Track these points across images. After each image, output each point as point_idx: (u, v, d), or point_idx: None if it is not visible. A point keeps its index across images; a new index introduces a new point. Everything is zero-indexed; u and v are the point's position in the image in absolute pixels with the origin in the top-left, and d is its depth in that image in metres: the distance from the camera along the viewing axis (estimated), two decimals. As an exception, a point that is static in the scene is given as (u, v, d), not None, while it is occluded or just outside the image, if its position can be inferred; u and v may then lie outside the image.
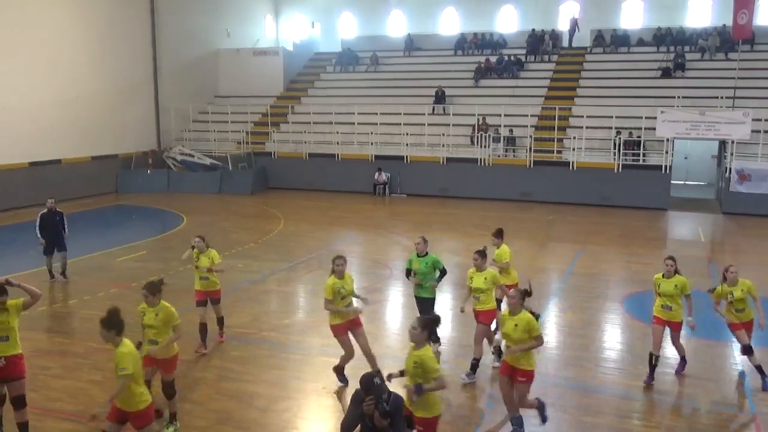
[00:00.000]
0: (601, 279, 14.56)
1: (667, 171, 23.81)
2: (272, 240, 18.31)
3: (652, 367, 8.73)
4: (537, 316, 7.16)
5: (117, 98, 27.05)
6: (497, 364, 8.97)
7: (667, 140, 23.85)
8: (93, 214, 22.32)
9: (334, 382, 8.70)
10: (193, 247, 9.90)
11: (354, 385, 6.12)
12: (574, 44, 31.88)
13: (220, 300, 10.07)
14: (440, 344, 9.90)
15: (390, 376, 6.16)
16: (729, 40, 27.94)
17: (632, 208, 23.23)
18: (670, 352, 9.98)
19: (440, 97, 29.03)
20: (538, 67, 31.07)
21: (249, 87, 32.98)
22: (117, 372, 5.91)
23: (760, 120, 23.01)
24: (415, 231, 18.74)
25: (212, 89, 33.78)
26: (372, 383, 5.02)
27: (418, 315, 9.36)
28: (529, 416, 7.95)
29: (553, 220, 21.76)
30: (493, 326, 8.98)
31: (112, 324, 5.97)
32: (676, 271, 8.72)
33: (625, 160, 24.28)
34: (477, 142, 26.02)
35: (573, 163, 24.68)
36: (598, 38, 31.29)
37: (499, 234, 10.25)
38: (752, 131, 22.82)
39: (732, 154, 23.13)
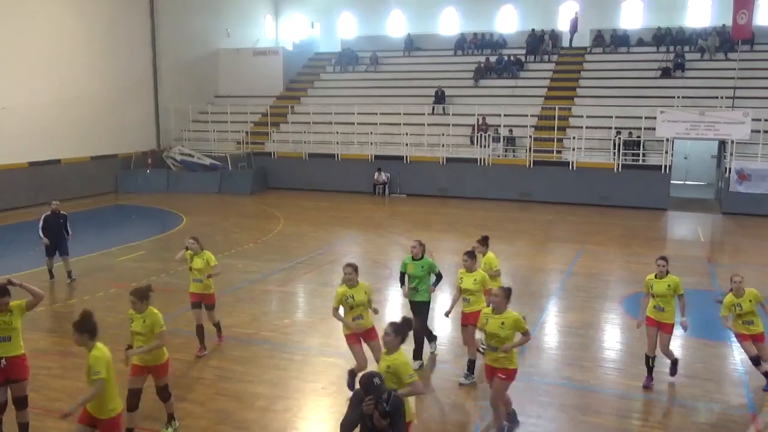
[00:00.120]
0: (601, 279, 14.56)
1: (667, 171, 23.82)
2: (272, 240, 18.31)
3: (650, 368, 8.71)
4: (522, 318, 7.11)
5: (117, 98, 27.03)
6: (470, 380, 8.80)
7: (667, 140, 23.85)
8: (92, 213, 22.31)
9: (334, 383, 8.69)
10: (186, 248, 9.70)
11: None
12: (573, 44, 31.87)
13: (214, 306, 9.82)
14: (436, 347, 9.81)
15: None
16: (729, 40, 27.94)
17: (632, 208, 23.23)
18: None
19: (440, 97, 29.03)
20: (538, 67, 31.07)
21: (249, 87, 32.98)
22: (90, 376, 5.79)
23: (760, 120, 23.01)
24: (414, 231, 18.77)
25: (212, 89, 33.78)
26: (372, 383, 5.01)
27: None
28: (530, 416, 7.95)
29: (553, 220, 21.76)
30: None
31: (85, 327, 5.87)
32: (668, 272, 8.63)
33: (625, 160, 24.29)
34: (477, 142, 26.02)
35: (573, 163, 24.68)
36: (598, 38, 31.29)
37: (483, 241, 9.94)
38: (752, 131, 22.82)
39: (732, 154, 23.13)
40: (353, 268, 8.07)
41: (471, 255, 8.87)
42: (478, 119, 26.59)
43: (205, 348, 9.78)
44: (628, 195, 23.73)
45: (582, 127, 25.11)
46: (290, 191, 27.55)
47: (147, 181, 27.49)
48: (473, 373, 8.82)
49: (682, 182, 29.41)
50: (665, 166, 23.80)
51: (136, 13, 28.29)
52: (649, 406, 8.26)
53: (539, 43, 31.61)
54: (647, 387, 8.63)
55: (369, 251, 17.57)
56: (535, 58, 31.53)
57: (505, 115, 26.40)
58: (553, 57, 31.32)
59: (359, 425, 5.09)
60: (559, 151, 25.29)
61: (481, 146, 25.80)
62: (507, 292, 7.12)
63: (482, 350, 8.92)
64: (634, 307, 12.21)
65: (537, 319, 11.59)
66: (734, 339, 9.12)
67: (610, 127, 25.01)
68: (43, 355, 9.53)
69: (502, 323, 6.92)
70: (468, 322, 8.78)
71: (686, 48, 29.54)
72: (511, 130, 26.25)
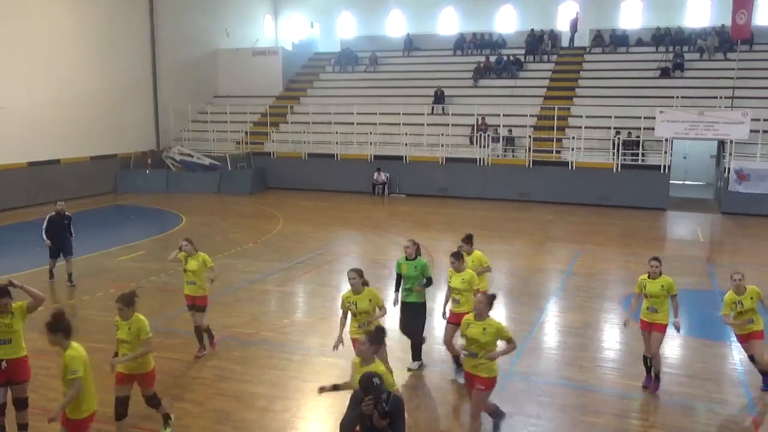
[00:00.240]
0: (600, 279, 14.57)
1: (666, 171, 23.83)
2: (271, 240, 18.30)
3: (648, 368, 8.69)
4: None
5: (116, 98, 27.02)
6: (457, 377, 8.76)
7: (666, 140, 23.85)
8: (92, 214, 22.29)
9: (333, 382, 8.68)
10: (180, 248, 9.53)
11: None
12: (573, 44, 31.85)
13: (204, 308, 9.59)
14: (418, 367, 9.40)
15: (321, 389, 6.01)
16: (728, 40, 27.95)
17: (631, 208, 23.23)
18: (669, 351, 9.99)
19: (439, 97, 29.02)
20: (537, 67, 31.07)
21: (248, 87, 32.96)
22: (67, 376, 5.72)
23: (759, 120, 23.02)
24: (414, 231, 18.77)
25: (211, 89, 33.77)
26: (371, 383, 5.02)
27: (402, 321, 9.21)
28: (529, 416, 7.96)
29: (552, 220, 21.77)
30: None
31: (59, 327, 5.81)
32: (661, 272, 8.52)
33: (624, 160, 24.29)
34: (476, 142, 26.02)
35: (572, 163, 24.68)
36: (597, 38, 31.29)
37: (468, 240, 9.74)
38: (751, 131, 22.83)
39: (731, 154, 23.14)
40: (357, 273, 7.86)
41: (458, 256, 8.76)
42: (477, 119, 26.59)
43: (204, 348, 9.77)
44: (628, 195, 23.74)
45: (581, 127, 25.12)
46: (289, 191, 27.54)
47: (146, 181, 27.47)
48: (461, 367, 8.76)
49: (682, 182, 29.41)
50: (664, 166, 23.80)
51: (136, 13, 28.28)
52: (648, 406, 8.26)
53: (538, 43, 31.61)
54: (646, 387, 8.63)
55: (368, 251, 17.58)
56: (534, 58, 31.53)
57: (504, 115, 26.40)
58: (553, 57, 31.32)
59: (359, 425, 5.09)
60: (558, 151, 25.29)
61: (480, 146, 25.80)
62: (490, 299, 6.96)
63: (464, 353, 8.64)
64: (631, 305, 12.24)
65: (536, 319, 11.61)
66: (734, 339, 9.12)
67: (610, 127, 25.01)
68: (42, 355, 9.49)
69: (484, 329, 6.73)
70: (452, 321, 8.67)
71: (685, 48, 29.54)
72: (510, 130, 26.25)
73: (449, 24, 35.73)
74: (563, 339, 10.80)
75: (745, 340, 8.51)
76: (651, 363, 8.67)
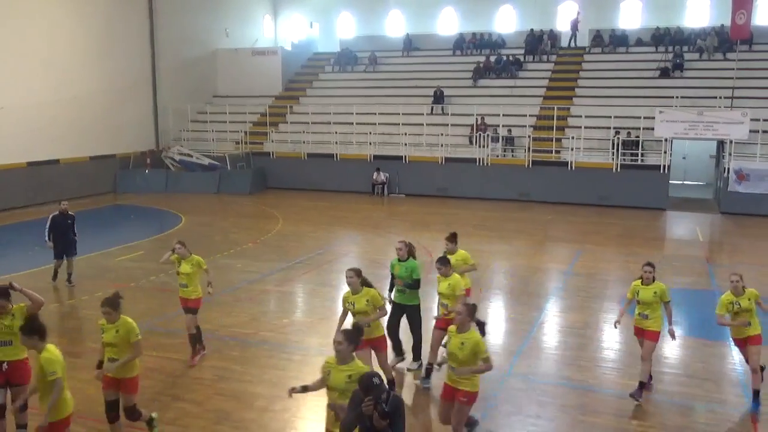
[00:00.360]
0: (600, 279, 14.56)
1: (666, 171, 23.83)
2: (270, 240, 18.30)
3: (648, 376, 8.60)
4: (483, 325, 6.66)
5: (115, 98, 27.01)
6: (426, 384, 8.66)
7: (666, 140, 23.87)
8: (91, 214, 22.26)
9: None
10: (173, 251, 9.45)
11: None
12: (570, 44, 31.87)
13: (196, 311, 9.41)
14: (398, 362, 9.34)
15: (292, 390, 5.83)
16: (727, 40, 27.96)
17: (631, 208, 23.24)
18: (668, 351, 10.00)
19: (439, 97, 29.02)
20: (537, 67, 31.07)
21: (247, 87, 32.95)
22: (46, 378, 5.61)
23: (758, 120, 23.03)
24: (413, 231, 18.78)
25: (211, 89, 33.76)
26: (371, 383, 5.00)
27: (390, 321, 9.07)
28: (528, 416, 7.95)
29: (552, 220, 21.77)
30: (445, 339, 8.27)
31: (33, 330, 5.74)
32: (654, 278, 8.35)
33: (624, 160, 24.31)
34: (475, 142, 26.02)
35: (571, 163, 24.69)
36: (597, 38, 31.30)
37: (452, 238, 9.52)
38: (750, 131, 22.84)
39: (730, 154, 23.15)
40: (354, 272, 7.73)
41: (443, 261, 8.57)
42: (476, 119, 26.59)
43: (204, 348, 9.76)
44: (627, 195, 23.74)
45: (581, 127, 25.13)
46: (289, 191, 27.54)
47: (146, 181, 27.46)
48: (429, 377, 8.70)
49: (681, 182, 29.43)
50: (664, 166, 23.81)
51: (135, 13, 28.27)
52: (647, 406, 8.25)
53: (538, 43, 31.62)
54: (647, 390, 8.56)
55: (367, 251, 17.58)
56: (533, 58, 31.54)
57: (503, 115, 26.41)
58: (552, 57, 31.33)
59: (358, 425, 5.08)
60: (557, 151, 25.30)
61: (479, 146, 25.80)
62: (471, 310, 6.61)
63: (437, 367, 8.46)
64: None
65: (536, 319, 11.61)
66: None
67: (609, 127, 25.02)
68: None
69: (462, 343, 6.42)
70: (439, 327, 8.52)
71: (685, 48, 29.56)
72: (509, 130, 26.25)
73: (449, 24, 35.74)
74: (563, 339, 10.80)
75: (742, 345, 8.29)
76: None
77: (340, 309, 8.12)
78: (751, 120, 22.68)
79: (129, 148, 27.92)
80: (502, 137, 26.15)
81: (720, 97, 24.93)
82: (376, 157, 27.28)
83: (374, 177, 26.81)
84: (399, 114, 27.86)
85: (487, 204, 24.39)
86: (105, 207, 24.06)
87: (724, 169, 23.23)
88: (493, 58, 31.27)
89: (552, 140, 25.46)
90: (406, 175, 26.77)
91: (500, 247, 17.97)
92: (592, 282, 14.20)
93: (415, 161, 26.79)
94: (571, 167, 24.68)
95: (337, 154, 27.81)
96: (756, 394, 8.02)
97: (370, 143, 27.62)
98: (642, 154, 24.52)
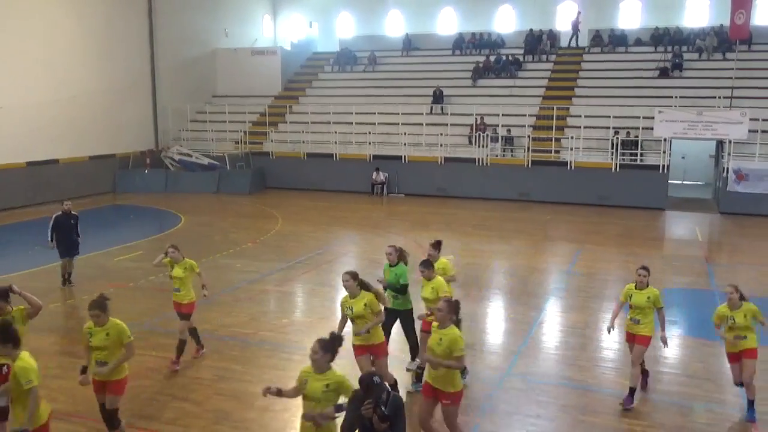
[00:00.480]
0: (599, 278, 14.57)
1: (665, 171, 23.85)
2: (270, 240, 18.30)
3: (643, 370, 8.55)
4: (459, 321, 6.57)
5: (114, 98, 27.00)
6: (417, 388, 8.39)
7: (665, 140, 23.88)
8: (90, 213, 22.21)
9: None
10: (166, 254, 9.36)
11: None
12: (572, 44, 31.87)
13: (189, 316, 9.30)
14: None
15: (266, 390, 5.66)
16: (726, 40, 27.97)
17: (630, 208, 23.25)
18: (668, 351, 9.99)
19: (438, 97, 29.03)
20: (536, 66, 31.08)
21: (247, 87, 32.94)
22: (22, 387, 5.48)
23: (758, 120, 23.05)
24: (413, 231, 18.78)
25: (210, 89, 33.75)
26: (372, 381, 5.01)
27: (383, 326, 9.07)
28: (528, 416, 7.96)
29: (551, 220, 21.78)
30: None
31: (7, 338, 5.65)
32: (648, 283, 8.17)
33: (623, 159, 24.32)
34: (475, 141, 26.02)
35: (571, 162, 24.70)
36: (596, 38, 31.31)
37: (437, 246, 9.26)
38: (749, 131, 22.86)
39: (729, 154, 23.17)
40: (350, 275, 7.54)
41: (427, 265, 8.40)
42: (476, 119, 26.59)
43: (203, 347, 9.76)
44: (626, 195, 23.76)
45: (580, 127, 25.14)
46: (288, 191, 27.54)
47: (145, 181, 27.45)
48: (421, 381, 8.57)
49: (680, 182, 29.44)
50: (663, 166, 23.82)
51: (134, 13, 28.26)
52: (647, 406, 8.26)
53: (537, 42, 31.63)
54: (643, 389, 8.53)
55: (367, 251, 17.58)
56: (533, 58, 31.55)
57: (503, 115, 26.42)
58: (551, 57, 31.34)
59: (358, 427, 5.09)
60: (557, 151, 25.30)
61: (479, 146, 25.80)
62: (453, 306, 6.48)
63: (411, 368, 8.21)
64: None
65: (535, 319, 11.62)
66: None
67: (608, 127, 25.02)
68: (41, 355, 9.47)
69: (440, 339, 6.33)
70: (425, 330, 8.39)
71: (684, 48, 29.56)
72: (509, 130, 26.26)
73: (448, 24, 35.73)
74: (562, 339, 10.81)
75: (735, 359, 7.90)
76: (644, 366, 8.49)
77: (340, 309, 8.09)
78: (750, 120, 22.70)
79: (128, 148, 27.92)
80: (502, 137, 26.16)
81: (719, 97, 24.94)
82: (375, 156, 27.28)
83: (374, 177, 26.82)
84: (398, 114, 27.87)
85: (487, 204, 24.40)
86: (104, 207, 24.04)
87: (724, 168, 23.24)
88: (492, 58, 31.27)
89: (551, 140, 25.46)
90: (406, 175, 26.78)
91: (500, 246, 17.98)
92: (591, 282, 14.20)
93: (415, 161, 26.79)
94: (571, 167, 24.70)
95: (336, 154, 27.81)
96: (751, 403, 7.90)
97: (370, 143, 27.62)
98: (641, 154, 24.53)
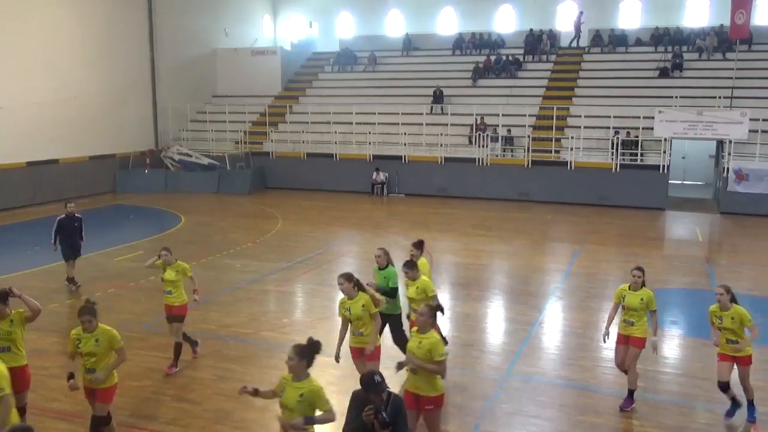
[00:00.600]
0: (599, 279, 14.56)
1: (665, 171, 23.84)
2: (270, 240, 18.30)
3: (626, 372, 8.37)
4: (441, 308, 6.64)
5: (114, 98, 27.00)
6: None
7: (665, 140, 23.88)
8: (90, 213, 22.17)
9: (332, 383, 8.68)
10: (159, 256, 9.29)
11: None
12: (573, 44, 31.87)
13: (182, 319, 9.17)
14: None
15: (243, 389, 5.57)
16: (726, 40, 27.97)
17: (630, 208, 23.25)
18: (667, 351, 10.00)
19: (438, 97, 29.03)
20: (536, 66, 31.08)
21: (247, 87, 32.94)
22: None
23: (758, 120, 23.05)
24: (412, 231, 18.77)
25: (210, 89, 33.75)
26: (372, 380, 5.01)
27: None
28: (528, 416, 7.96)
29: (551, 220, 21.78)
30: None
31: None
32: (644, 284, 8.00)
33: (623, 159, 24.32)
34: (475, 141, 26.02)
35: (571, 162, 24.69)
36: (596, 38, 31.31)
37: (419, 245, 9.14)
38: (750, 131, 22.85)
39: (729, 154, 23.16)
40: (345, 278, 7.39)
41: (410, 265, 8.31)
42: (476, 119, 26.60)
43: (197, 342, 9.71)
44: (627, 195, 23.75)
45: (580, 127, 25.13)
46: (288, 191, 27.54)
47: (145, 181, 27.45)
48: None
49: (680, 182, 29.45)
50: (663, 166, 23.82)
51: (134, 13, 28.26)
52: (646, 406, 8.26)
53: (537, 42, 31.62)
54: (623, 409, 8.14)
55: (367, 251, 17.52)
56: (533, 58, 31.54)
57: (503, 115, 26.42)
58: (551, 57, 31.33)
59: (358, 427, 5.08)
60: (557, 151, 25.30)
61: (479, 146, 25.80)
62: (434, 311, 6.40)
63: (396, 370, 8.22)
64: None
65: (535, 319, 11.62)
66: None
67: (608, 127, 25.03)
68: (41, 355, 9.51)
69: (420, 343, 6.20)
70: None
71: (684, 48, 29.56)
72: (509, 130, 26.26)
73: (448, 24, 35.74)
74: (562, 339, 10.81)
75: (723, 359, 7.75)
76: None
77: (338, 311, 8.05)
78: (751, 120, 22.69)
79: (128, 148, 27.91)
80: (502, 137, 26.16)
81: (719, 97, 24.94)
82: (375, 156, 27.28)
83: (374, 177, 26.82)
84: (398, 114, 27.86)
85: (487, 204, 24.40)
86: (104, 207, 24.02)
87: (724, 168, 23.24)
88: (492, 58, 31.27)
89: (551, 140, 25.46)
90: (406, 174, 26.78)
91: (500, 246, 17.98)
92: (591, 282, 14.20)
93: (415, 161, 26.79)
94: (571, 167, 24.69)
95: (336, 154, 27.81)
96: (750, 403, 7.87)
97: (370, 143, 27.62)
98: (641, 154, 24.53)
